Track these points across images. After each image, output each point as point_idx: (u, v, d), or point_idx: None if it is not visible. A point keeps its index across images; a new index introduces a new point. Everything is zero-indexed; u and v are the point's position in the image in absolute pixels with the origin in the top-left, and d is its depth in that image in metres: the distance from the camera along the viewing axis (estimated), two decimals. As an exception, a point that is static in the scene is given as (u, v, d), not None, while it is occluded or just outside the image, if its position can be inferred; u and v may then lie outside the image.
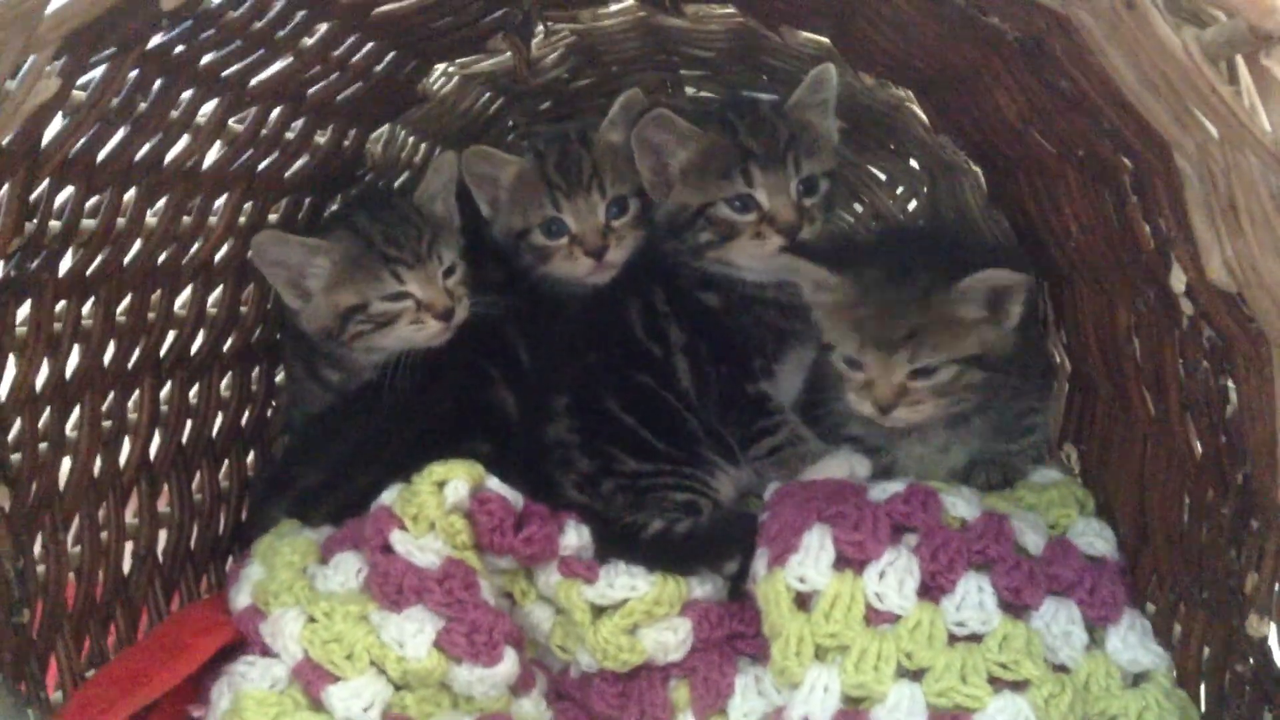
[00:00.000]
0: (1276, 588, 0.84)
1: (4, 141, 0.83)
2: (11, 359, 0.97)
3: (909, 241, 1.29)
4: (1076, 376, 1.23)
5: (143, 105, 0.96)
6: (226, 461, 1.35)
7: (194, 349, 1.24)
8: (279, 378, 1.46)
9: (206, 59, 0.99)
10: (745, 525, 1.15)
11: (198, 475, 1.29)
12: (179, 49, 0.94)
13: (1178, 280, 0.85)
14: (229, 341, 1.31)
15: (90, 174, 0.96)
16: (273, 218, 1.31)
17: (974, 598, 1.03)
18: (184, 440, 1.25)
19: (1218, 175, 0.69)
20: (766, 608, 1.06)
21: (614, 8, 1.36)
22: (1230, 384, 0.86)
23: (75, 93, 0.88)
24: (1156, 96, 0.69)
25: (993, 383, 1.14)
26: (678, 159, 1.28)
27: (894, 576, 1.03)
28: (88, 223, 1.00)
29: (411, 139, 1.50)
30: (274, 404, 1.46)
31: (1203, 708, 0.99)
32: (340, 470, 1.26)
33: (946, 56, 1.06)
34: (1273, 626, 0.85)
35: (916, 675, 0.99)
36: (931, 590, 1.04)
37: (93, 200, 0.99)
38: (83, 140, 0.92)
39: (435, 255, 1.30)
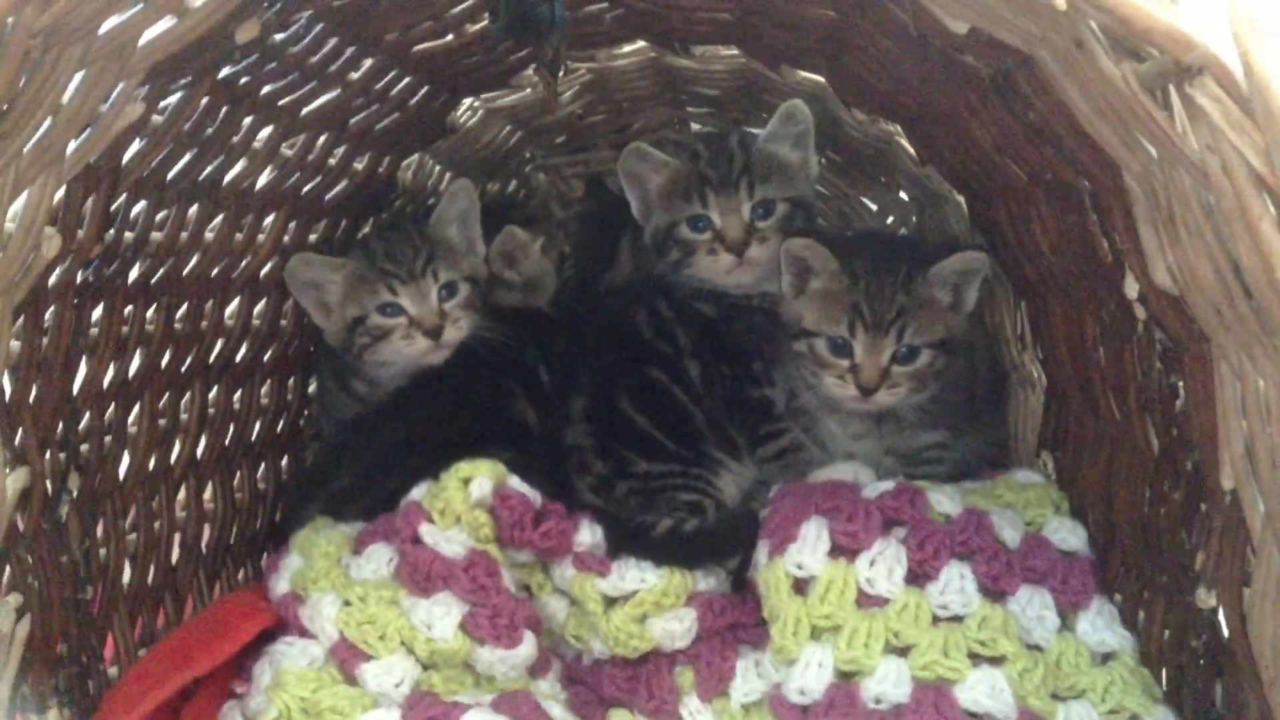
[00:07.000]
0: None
1: (92, 159, 0.90)
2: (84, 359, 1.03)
3: (882, 239, 1.43)
4: (1051, 388, 1.28)
5: (210, 129, 1.03)
6: (263, 464, 1.40)
7: (239, 357, 1.30)
8: (311, 388, 1.52)
9: (267, 89, 1.07)
10: (747, 524, 1.20)
11: (238, 475, 1.34)
12: (244, 79, 1.02)
13: (1131, 288, 0.92)
14: (269, 352, 1.37)
15: (161, 190, 1.03)
16: (312, 238, 1.38)
17: (956, 584, 1.09)
18: (227, 442, 1.30)
19: (1159, 191, 0.76)
20: (767, 592, 1.12)
21: (627, 49, 1.43)
22: (1180, 383, 0.92)
23: (154, 117, 0.95)
24: (1106, 123, 0.76)
25: (951, 368, 1.23)
26: (654, 185, 1.39)
27: (884, 564, 1.10)
28: (155, 235, 1.06)
29: (438, 168, 1.57)
30: (306, 414, 1.52)
31: (1164, 686, 1.04)
32: (369, 473, 1.30)
33: (929, 93, 1.12)
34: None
35: (903, 651, 1.05)
36: (918, 577, 1.10)
37: (160, 214, 1.06)
38: (157, 160, 0.99)
39: (430, 274, 1.36)
